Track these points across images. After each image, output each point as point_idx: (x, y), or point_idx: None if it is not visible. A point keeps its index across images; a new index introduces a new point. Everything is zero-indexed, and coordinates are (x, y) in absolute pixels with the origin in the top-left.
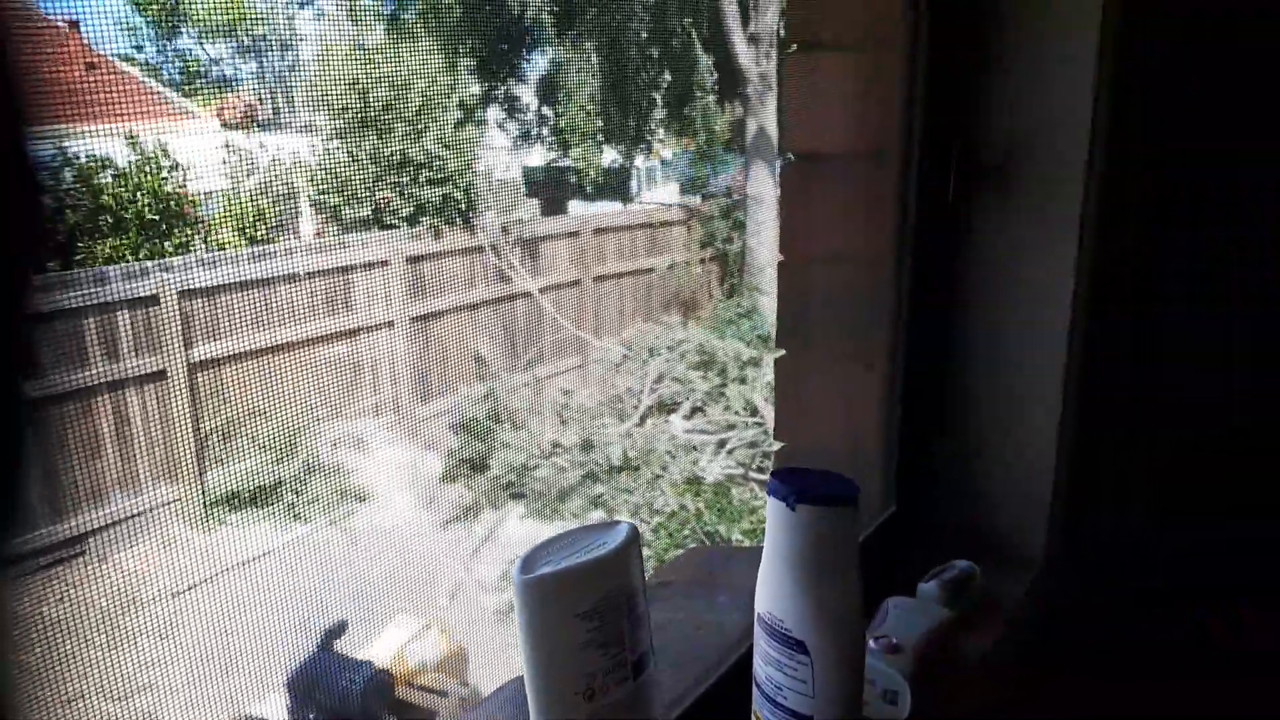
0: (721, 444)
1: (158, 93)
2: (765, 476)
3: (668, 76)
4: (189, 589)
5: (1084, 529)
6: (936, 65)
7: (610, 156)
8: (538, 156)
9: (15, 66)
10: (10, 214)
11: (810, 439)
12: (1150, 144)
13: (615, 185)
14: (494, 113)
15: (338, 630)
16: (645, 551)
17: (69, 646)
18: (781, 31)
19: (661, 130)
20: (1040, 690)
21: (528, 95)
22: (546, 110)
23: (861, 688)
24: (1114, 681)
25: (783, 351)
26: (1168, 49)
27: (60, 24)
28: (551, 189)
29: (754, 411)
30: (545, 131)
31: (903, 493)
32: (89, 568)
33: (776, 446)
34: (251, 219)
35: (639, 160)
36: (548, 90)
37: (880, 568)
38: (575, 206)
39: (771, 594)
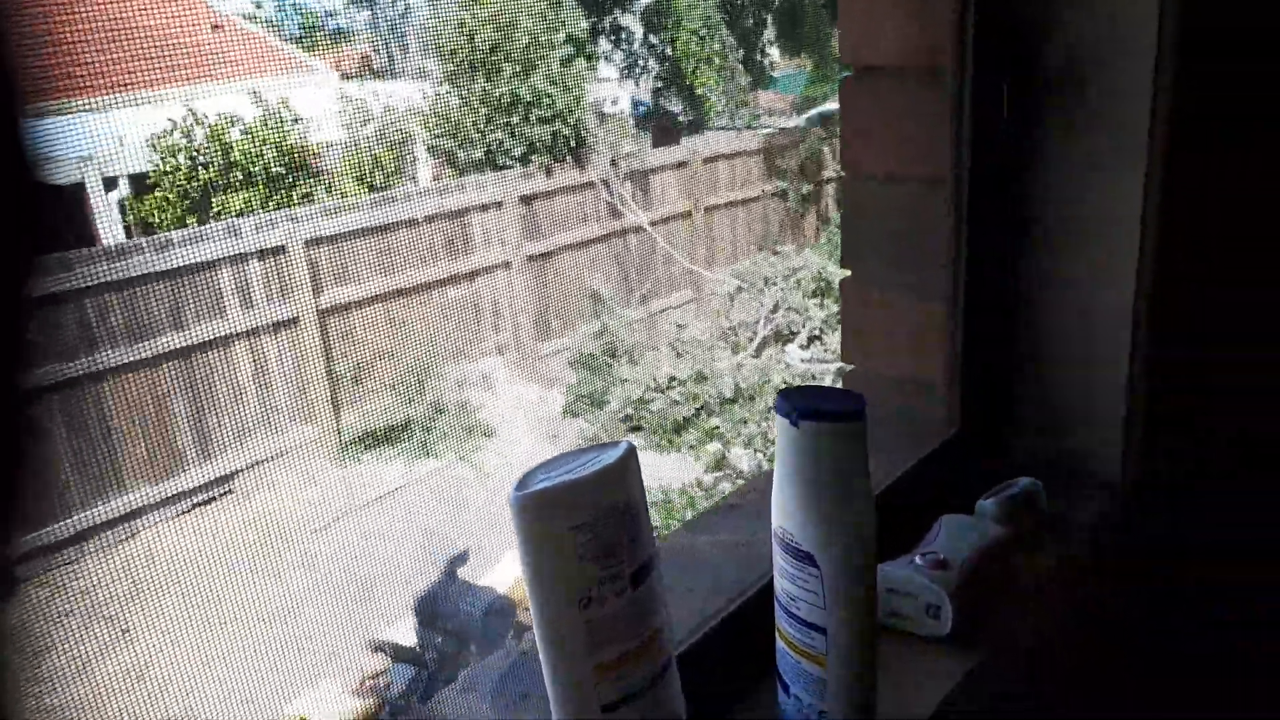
0: (841, 372)
1: (278, 48)
2: None
3: None
4: (327, 525)
5: (1161, 453)
6: None
7: (721, 81)
8: (646, 87)
9: (8, 42)
10: (6, 198)
11: (876, 360)
12: (1230, 44)
13: (726, 111)
14: (602, 45)
15: (460, 559)
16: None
17: (222, 579)
18: None
19: (774, 50)
20: (1097, 617)
21: (635, 25)
22: (654, 39)
23: (874, 596)
24: (1173, 616)
25: (848, 272)
26: None
27: None
28: (661, 118)
29: None
30: (653, 61)
31: (967, 412)
32: (237, 505)
33: (847, 369)
34: (370, 167)
35: (749, 83)
36: (655, 18)
37: (939, 488)
38: (685, 135)
39: (782, 510)
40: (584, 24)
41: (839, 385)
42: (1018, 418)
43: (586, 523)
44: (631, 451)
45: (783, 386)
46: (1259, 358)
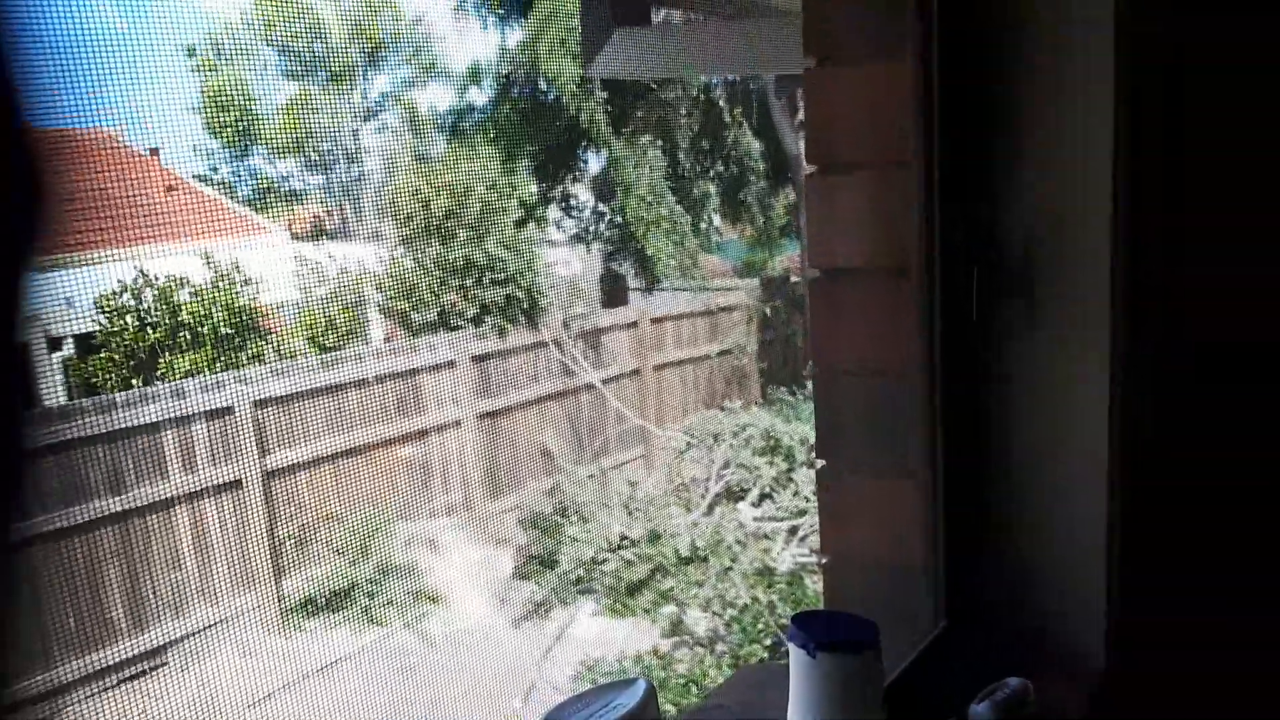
0: (793, 531)
1: (231, 209)
2: None
3: (720, 166)
4: (267, 697)
5: (1142, 632)
6: (951, 176)
7: (667, 247)
8: (596, 251)
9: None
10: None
11: (856, 553)
12: (1180, 224)
13: (673, 274)
14: (553, 211)
15: None
16: (720, 648)
17: None
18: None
19: (717, 217)
20: None
21: (584, 193)
22: (603, 206)
23: None
24: None
25: (823, 462)
26: (1187, 128)
27: (143, 151)
28: (611, 281)
29: None
30: (602, 226)
31: (952, 607)
32: (170, 679)
33: (823, 560)
34: (322, 327)
35: (695, 249)
36: (604, 186)
37: (932, 689)
38: (634, 297)
39: None
40: (535, 190)
41: (795, 544)
42: (1001, 607)
43: None
44: (651, 693)
45: (795, 613)
46: (1237, 531)
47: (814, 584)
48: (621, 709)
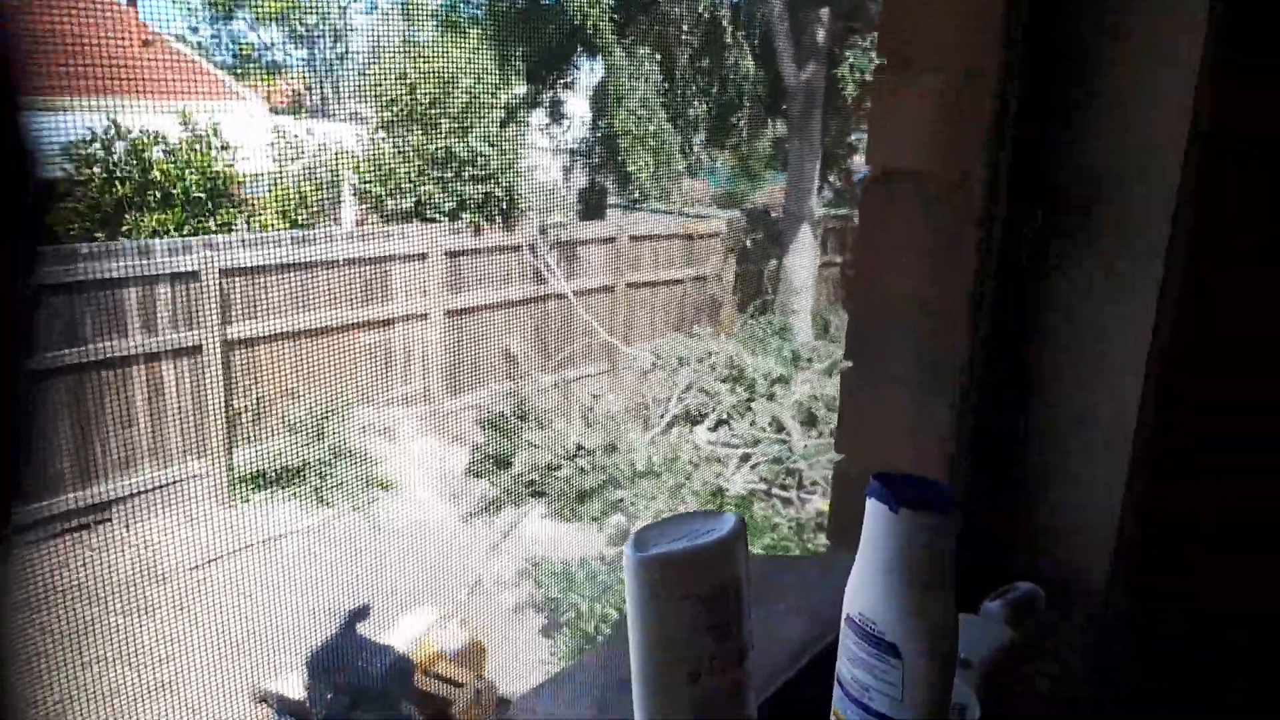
0: (745, 458)
1: (209, 73)
2: (787, 494)
3: (715, 89)
4: (209, 563)
5: (1147, 566)
6: (1027, 97)
7: (653, 165)
8: (580, 160)
9: (12, 40)
10: (4, 191)
11: (872, 455)
12: (1249, 194)
13: (655, 194)
14: (540, 115)
15: (361, 613)
16: None
17: (90, 612)
18: (872, 49)
19: (705, 141)
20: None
21: (575, 99)
22: (592, 115)
23: (950, 697)
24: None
25: (850, 363)
26: (1269, 91)
27: (120, 1)
28: (592, 193)
29: (780, 429)
30: (589, 136)
31: (965, 518)
32: (114, 534)
33: (837, 457)
34: (294, 203)
35: (680, 170)
36: (595, 95)
37: None
38: (614, 213)
39: (866, 596)
40: (525, 90)
41: (746, 469)
42: (1013, 526)
43: (705, 595)
44: (743, 525)
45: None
46: (1259, 489)
47: (761, 509)
48: (715, 534)
